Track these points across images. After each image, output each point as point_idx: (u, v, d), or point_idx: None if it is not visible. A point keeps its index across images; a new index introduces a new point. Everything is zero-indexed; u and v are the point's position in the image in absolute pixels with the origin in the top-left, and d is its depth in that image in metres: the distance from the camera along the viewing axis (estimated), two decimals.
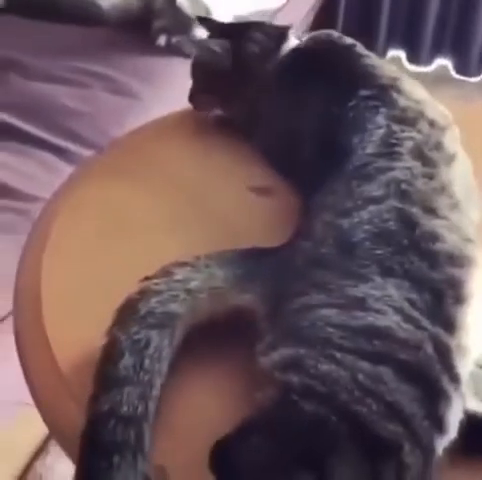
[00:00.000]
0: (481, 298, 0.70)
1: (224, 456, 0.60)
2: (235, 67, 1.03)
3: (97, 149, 1.58)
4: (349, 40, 1.00)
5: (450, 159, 0.81)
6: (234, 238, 0.88)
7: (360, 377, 0.61)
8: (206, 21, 1.14)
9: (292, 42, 1.04)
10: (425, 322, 0.66)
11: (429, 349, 0.64)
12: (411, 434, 0.60)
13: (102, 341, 0.69)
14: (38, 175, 1.54)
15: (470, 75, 2.88)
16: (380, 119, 0.84)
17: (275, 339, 0.68)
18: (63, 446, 0.74)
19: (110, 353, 0.68)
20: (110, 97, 1.74)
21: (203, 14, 1.83)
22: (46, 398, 0.76)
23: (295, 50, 1.03)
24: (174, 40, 1.89)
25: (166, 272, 0.73)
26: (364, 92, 0.89)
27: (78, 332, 0.78)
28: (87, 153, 1.59)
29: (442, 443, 0.61)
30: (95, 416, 0.64)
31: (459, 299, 0.68)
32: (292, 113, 0.97)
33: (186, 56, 1.86)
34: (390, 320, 0.65)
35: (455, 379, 0.63)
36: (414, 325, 0.65)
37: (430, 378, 0.63)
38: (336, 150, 0.84)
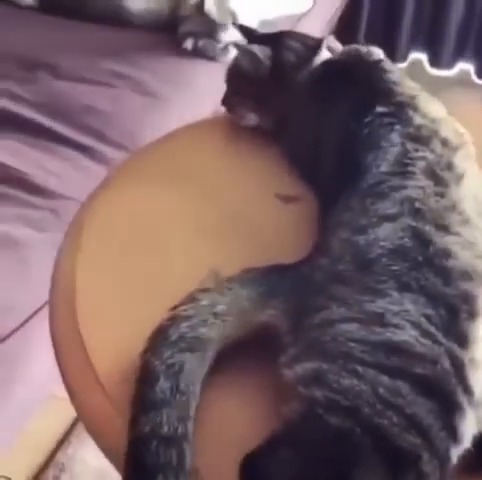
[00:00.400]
0: None
1: (253, 469, 0.63)
2: (272, 74, 1.06)
3: (122, 149, 1.62)
4: (376, 55, 1.03)
5: (460, 178, 0.83)
6: (260, 245, 0.92)
7: (381, 391, 0.64)
8: (244, 28, 1.16)
9: (324, 54, 1.07)
10: (440, 337, 0.68)
11: (446, 364, 0.66)
12: (429, 444, 0.63)
13: (136, 349, 0.72)
14: (65, 173, 1.57)
15: None
16: (395, 137, 0.86)
17: (298, 352, 0.70)
18: (94, 438, 0.77)
19: (146, 377, 0.70)
20: (136, 98, 1.77)
21: (229, 19, 1.87)
22: (80, 396, 0.79)
23: (327, 62, 1.06)
24: (200, 44, 1.92)
25: (192, 298, 0.76)
26: (381, 109, 0.91)
27: (112, 332, 0.82)
28: (112, 152, 1.62)
29: (457, 452, 0.64)
30: (137, 437, 0.66)
31: (473, 314, 0.70)
32: (317, 124, 0.99)
33: (211, 59, 1.90)
34: (408, 335, 0.67)
35: (468, 392, 0.66)
36: (431, 340, 0.68)
37: (446, 391, 0.65)
38: (352, 166, 0.86)
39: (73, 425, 1.60)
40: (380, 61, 1.02)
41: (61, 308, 0.87)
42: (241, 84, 1.10)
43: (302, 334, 0.71)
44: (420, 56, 2.95)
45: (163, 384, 0.69)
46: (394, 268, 0.72)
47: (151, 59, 1.90)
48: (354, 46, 1.07)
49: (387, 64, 1.02)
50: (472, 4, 2.76)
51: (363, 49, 1.05)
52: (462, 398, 0.65)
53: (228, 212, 0.98)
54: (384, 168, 0.83)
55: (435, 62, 2.91)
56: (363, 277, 0.73)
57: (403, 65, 2.94)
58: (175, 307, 0.75)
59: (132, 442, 0.66)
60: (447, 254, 0.74)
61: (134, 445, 0.66)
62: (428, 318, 0.69)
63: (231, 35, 1.86)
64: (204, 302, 0.75)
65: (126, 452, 0.66)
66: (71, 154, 1.61)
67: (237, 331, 0.75)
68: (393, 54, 2.93)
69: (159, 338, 0.73)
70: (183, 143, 1.15)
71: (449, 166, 0.83)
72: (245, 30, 1.15)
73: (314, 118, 1.00)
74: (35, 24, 2.06)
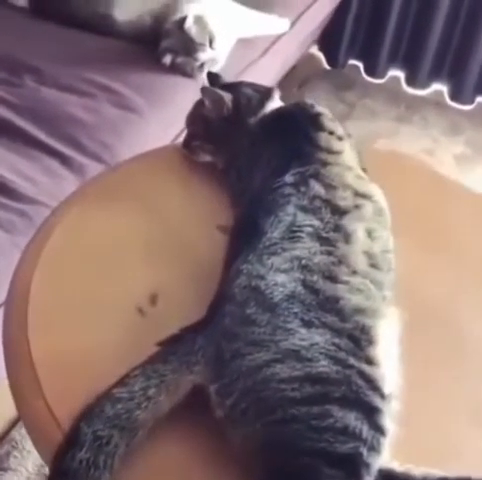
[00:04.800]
0: (389, 342, 0.87)
1: None
2: (231, 116, 1.18)
3: (97, 160, 1.69)
4: (318, 109, 1.14)
5: (348, 237, 0.95)
6: (199, 269, 1.04)
7: (313, 422, 0.78)
8: (210, 74, 1.30)
9: (276, 102, 1.19)
10: (351, 360, 0.82)
11: (359, 381, 0.81)
12: (364, 442, 0.78)
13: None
14: (39, 179, 1.63)
15: (464, 103, 2.99)
16: (290, 208, 0.97)
17: (234, 402, 0.81)
18: (33, 440, 0.91)
19: (71, 443, 0.78)
20: (113, 110, 1.84)
21: (207, 38, 1.96)
22: (23, 402, 0.90)
23: (276, 111, 1.17)
24: (178, 60, 1.99)
25: (124, 383, 0.83)
26: (288, 178, 1.01)
27: (58, 343, 0.93)
28: (87, 162, 1.69)
29: (386, 442, 0.80)
30: None
31: (371, 341, 0.85)
32: (250, 171, 1.10)
33: (188, 76, 1.99)
34: (322, 365, 0.81)
35: (384, 397, 0.82)
36: (341, 365, 0.82)
37: (364, 401, 0.80)
38: (254, 226, 0.97)
39: None
40: (319, 115, 1.13)
41: (14, 313, 0.98)
42: (202, 125, 1.21)
43: (233, 383, 0.82)
44: (398, 74, 3.05)
45: (84, 455, 0.77)
46: (295, 310, 0.85)
47: (132, 72, 1.98)
48: (303, 100, 1.18)
49: (325, 119, 1.12)
50: (450, 28, 2.85)
51: (309, 102, 1.16)
52: (380, 403, 0.81)
53: (174, 237, 1.11)
54: (277, 234, 0.94)
55: (411, 81, 3.02)
56: (271, 318, 0.84)
57: (381, 81, 3.05)
58: (109, 388, 0.82)
59: None
60: (336, 299, 0.87)
61: None
62: (337, 346, 0.83)
63: (208, 55, 1.97)
64: (136, 387, 0.82)
65: None
66: (47, 161, 1.67)
67: (169, 405, 0.83)
68: (372, 71, 3.05)
69: (96, 411, 0.80)
70: (144, 168, 1.27)
71: (336, 228, 0.95)
72: (211, 76, 1.28)
73: (251, 164, 1.11)
74: (24, 27, 2.13)
